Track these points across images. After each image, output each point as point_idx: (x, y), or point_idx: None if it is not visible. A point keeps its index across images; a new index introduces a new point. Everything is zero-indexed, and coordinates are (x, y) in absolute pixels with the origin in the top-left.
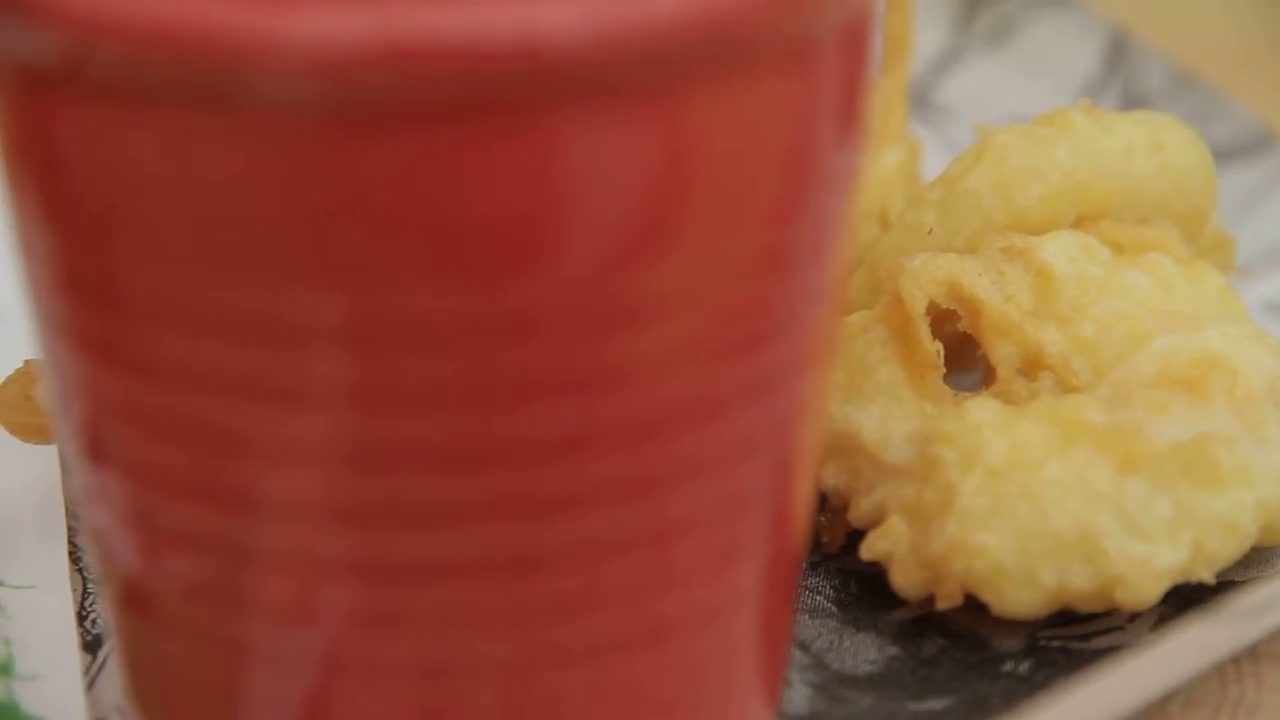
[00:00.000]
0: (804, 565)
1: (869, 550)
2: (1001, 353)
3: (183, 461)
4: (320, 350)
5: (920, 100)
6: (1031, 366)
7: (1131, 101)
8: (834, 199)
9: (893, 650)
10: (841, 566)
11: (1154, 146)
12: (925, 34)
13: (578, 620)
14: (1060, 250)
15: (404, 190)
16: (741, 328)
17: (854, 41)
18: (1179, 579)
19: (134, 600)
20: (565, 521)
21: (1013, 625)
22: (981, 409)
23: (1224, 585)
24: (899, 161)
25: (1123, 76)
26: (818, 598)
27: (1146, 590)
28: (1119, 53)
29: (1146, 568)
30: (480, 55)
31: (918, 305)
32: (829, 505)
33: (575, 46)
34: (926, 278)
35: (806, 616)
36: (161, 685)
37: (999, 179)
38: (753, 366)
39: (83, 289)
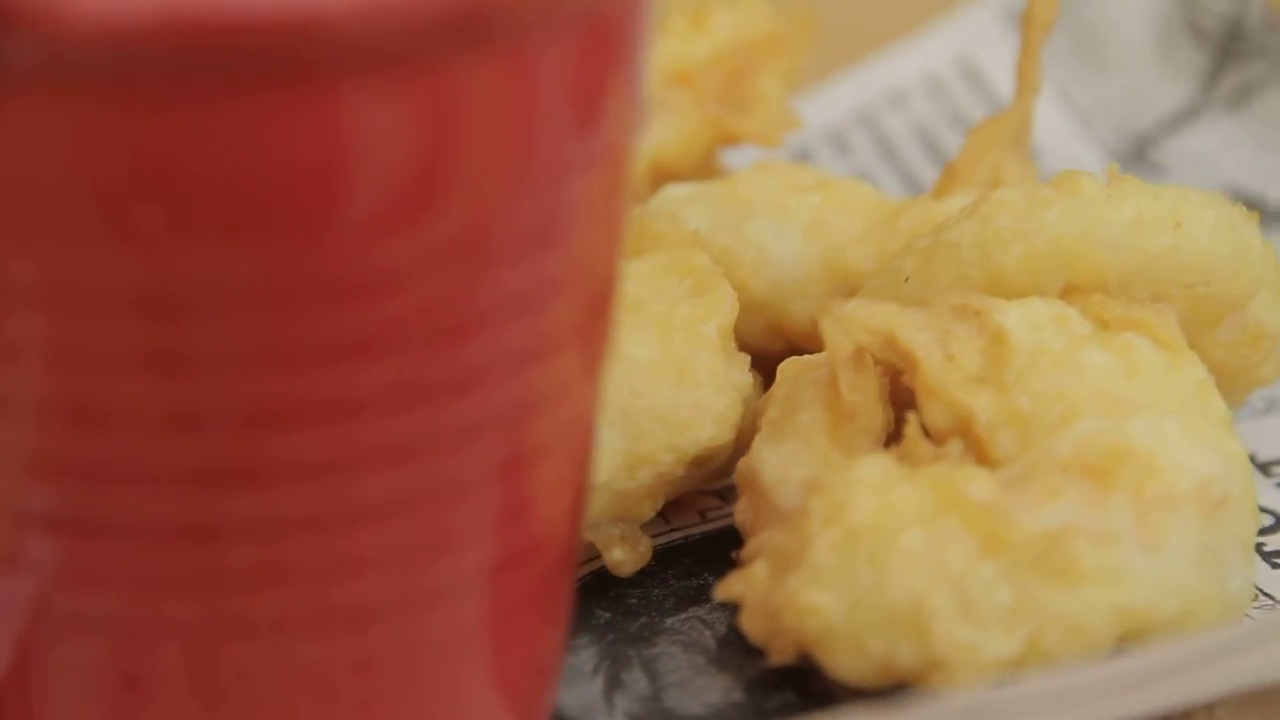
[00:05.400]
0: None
1: (724, 591)
2: (930, 413)
3: None
4: (28, 309)
5: (1137, 156)
6: (961, 432)
7: None
8: (569, 185)
9: (737, 697)
10: None
11: (1169, 223)
12: (1169, 88)
13: (262, 594)
14: (1024, 317)
15: (185, 160)
16: (454, 313)
17: (596, 33)
18: (1008, 672)
19: None
20: (250, 493)
21: (872, 694)
22: (869, 466)
23: None
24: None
25: None
26: (706, 632)
27: (966, 678)
28: None
29: (971, 654)
30: (259, 28)
31: (840, 350)
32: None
33: (347, 19)
34: (856, 324)
35: (679, 649)
36: None
37: (982, 236)
38: (469, 352)
39: None
